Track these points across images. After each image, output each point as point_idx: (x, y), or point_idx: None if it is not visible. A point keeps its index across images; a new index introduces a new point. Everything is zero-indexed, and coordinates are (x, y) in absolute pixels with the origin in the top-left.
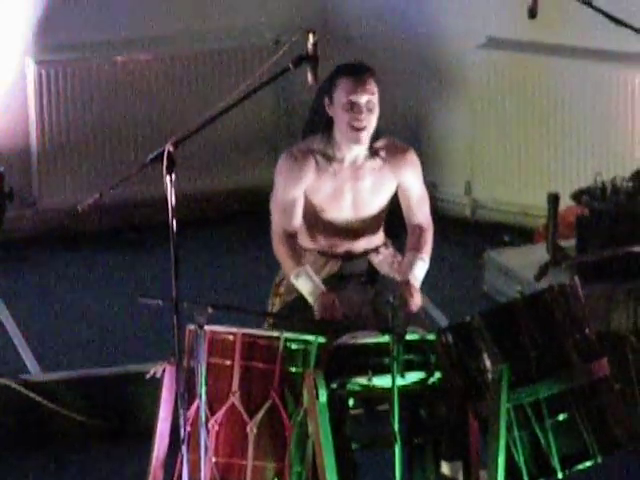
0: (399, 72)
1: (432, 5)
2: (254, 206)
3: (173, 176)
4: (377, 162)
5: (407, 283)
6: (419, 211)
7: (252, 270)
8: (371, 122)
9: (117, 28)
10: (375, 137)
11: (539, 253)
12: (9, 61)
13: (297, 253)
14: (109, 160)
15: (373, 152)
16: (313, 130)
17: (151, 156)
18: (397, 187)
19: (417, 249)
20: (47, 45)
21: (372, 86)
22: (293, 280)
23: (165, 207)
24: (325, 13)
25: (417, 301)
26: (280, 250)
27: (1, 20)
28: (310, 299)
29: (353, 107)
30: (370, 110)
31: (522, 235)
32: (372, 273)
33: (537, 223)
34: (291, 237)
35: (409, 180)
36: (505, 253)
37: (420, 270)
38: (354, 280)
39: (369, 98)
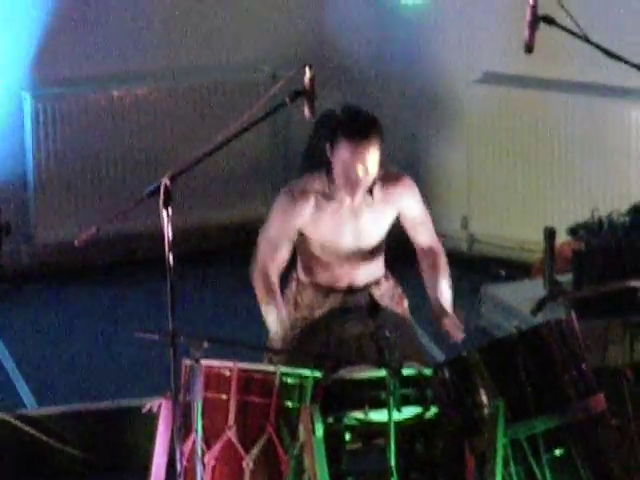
0: (396, 106)
1: (429, 39)
2: (250, 240)
3: (170, 210)
4: (375, 195)
5: (444, 314)
6: (425, 233)
7: (249, 304)
8: (366, 181)
9: (114, 62)
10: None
11: (536, 288)
12: (6, 95)
13: (272, 289)
14: (106, 194)
15: (370, 186)
16: (311, 166)
17: (148, 190)
18: (398, 214)
19: (436, 272)
20: (44, 79)
21: (372, 155)
22: (263, 310)
23: (162, 240)
24: (322, 47)
25: (458, 331)
26: (256, 281)
27: (0, 54)
28: (272, 333)
29: (349, 172)
30: (367, 175)
31: (519, 270)
32: (373, 306)
33: (534, 258)
34: (268, 275)
35: (409, 206)
36: (502, 288)
37: (448, 294)
38: (355, 313)
39: (366, 167)
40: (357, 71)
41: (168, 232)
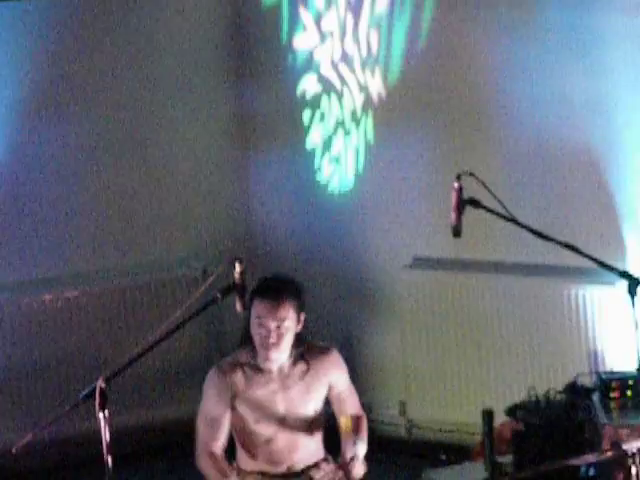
0: (328, 293)
1: (358, 225)
2: (189, 436)
3: (106, 412)
4: (302, 367)
5: (350, 459)
6: (349, 404)
7: None
8: (282, 343)
9: (44, 266)
10: (297, 343)
11: (477, 470)
12: None
13: (221, 466)
14: (42, 398)
15: (297, 358)
16: (244, 343)
17: (83, 393)
18: (327, 390)
19: (356, 433)
20: None
21: (284, 311)
22: None
23: (100, 442)
24: (251, 240)
25: (359, 470)
26: (203, 463)
27: None
28: None
29: (262, 330)
30: (281, 333)
31: (460, 453)
32: None
33: (474, 440)
34: (214, 454)
35: (335, 378)
36: (443, 472)
37: (361, 448)
38: None
39: (279, 324)
40: (287, 260)
41: (105, 433)
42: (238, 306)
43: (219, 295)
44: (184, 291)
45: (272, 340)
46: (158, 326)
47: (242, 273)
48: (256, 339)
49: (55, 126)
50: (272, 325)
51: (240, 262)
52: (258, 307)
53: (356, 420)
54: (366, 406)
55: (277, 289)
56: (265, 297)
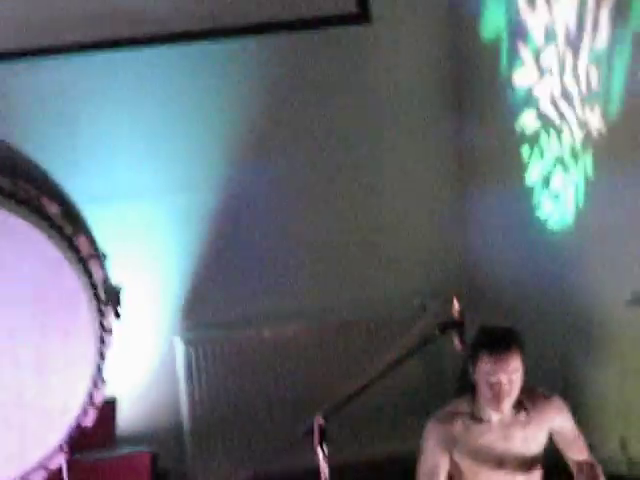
0: (545, 330)
1: (577, 262)
2: (408, 473)
3: (325, 448)
4: (524, 415)
5: None
6: (578, 449)
7: None
8: (512, 393)
9: (263, 302)
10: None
11: None
12: (158, 341)
13: None
14: (262, 433)
15: (518, 406)
16: (463, 391)
17: (302, 430)
18: (550, 433)
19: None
20: (194, 324)
21: (513, 364)
22: None
23: (320, 478)
24: (469, 276)
25: None
26: None
27: (150, 300)
28: None
29: (493, 386)
30: (513, 385)
31: None
32: None
33: None
34: None
35: (559, 425)
36: None
37: None
38: None
39: (509, 378)
40: (505, 297)
41: (325, 470)
42: (456, 344)
43: (437, 332)
44: (402, 327)
45: (505, 392)
46: (376, 362)
47: (461, 310)
48: (486, 392)
49: (273, 163)
50: (504, 378)
51: (458, 299)
52: (488, 361)
53: (592, 470)
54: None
55: (505, 342)
56: (494, 351)
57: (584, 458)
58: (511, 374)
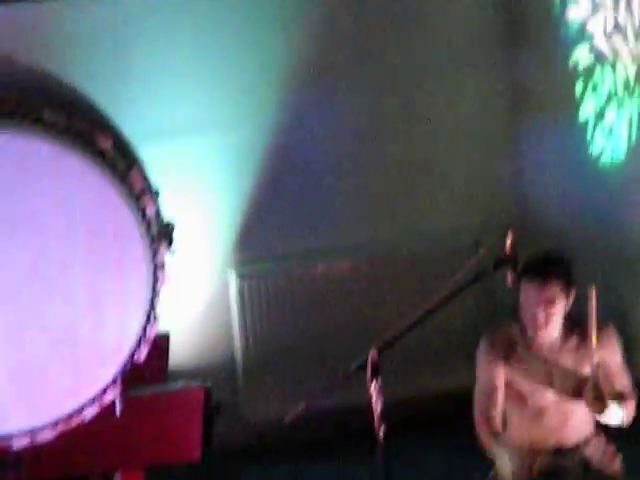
0: (599, 267)
1: (630, 197)
2: (459, 406)
3: (379, 382)
4: (574, 342)
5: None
6: (617, 383)
7: (465, 466)
8: (550, 324)
9: (315, 237)
10: (570, 318)
11: None
12: (212, 275)
13: (496, 430)
14: (313, 368)
15: (569, 333)
16: (515, 317)
17: (355, 364)
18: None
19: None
20: (248, 258)
21: (552, 293)
22: (493, 453)
23: (372, 413)
24: (522, 212)
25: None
26: (480, 426)
27: (204, 234)
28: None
29: (530, 311)
30: (549, 315)
31: None
32: (584, 467)
33: None
34: (490, 418)
35: (607, 356)
36: None
37: (616, 410)
38: (565, 476)
39: (546, 306)
40: (558, 232)
41: (378, 405)
42: (509, 279)
43: (491, 267)
44: (456, 263)
45: (540, 322)
46: (430, 297)
47: (513, 246)
48: (525, 318)
49: (326, 99)
50: (540, 307)
51: (511, 234)
52: (526, 288)
53: (621, 395)
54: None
55: (544, 271)
56: (533, 279)
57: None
58: (547, 305)
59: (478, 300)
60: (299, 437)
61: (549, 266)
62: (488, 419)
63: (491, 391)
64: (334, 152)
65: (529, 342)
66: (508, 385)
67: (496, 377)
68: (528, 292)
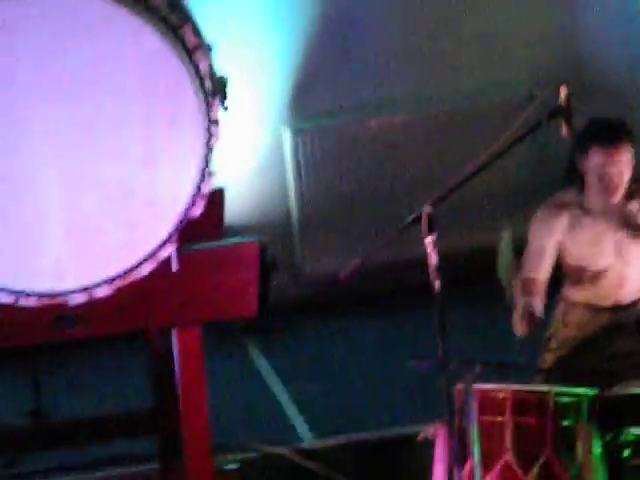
0: None
1: None
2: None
3: (434, 236)
4: (634, 205)
5: None
6: None
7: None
8: (621, 185)
9: (370, 92)
10: (632, 180)
11: None
12: (266, 131)
13: (531, 289)
14: (368, 223)
15: (629, 195)
16: (571, 182)
17: (410, 218)
18: None
19: None
20: (302, 113)
21: (624, 157)
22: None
23: (427, 267)
24: (580, 65)
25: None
26: (519, 282)
27: (257, 91)
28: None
29: (603, 177)
30: (621, 177)
31: None
32: None
33: None
34: (535, 280)
35: None
36: None
37: None
38: (625, 330)
39: (619, 170)
40: (616, 87)
41: (433, 259)
42: (564, 131)
43: (545, 120)
44: (510, 115)
45: (614, 185)
46: (483, 150)
47: (569, 97)
48: (595, 184)
49: None
50: (614, 170)
51: (566, 86)
52: (597, 154)
53: None
54: None
55: (616, 134)
56: (605, 144)
57: None
58: (621, 166)
59: (534, 154)
60: (354, 292)
61: (618, 128)
62: (528, 280)
63: (540, 253)
64: (389, 4)
65: (586, 209)
66: (564, 251)
67: (547, 243)
68: (600, 158)
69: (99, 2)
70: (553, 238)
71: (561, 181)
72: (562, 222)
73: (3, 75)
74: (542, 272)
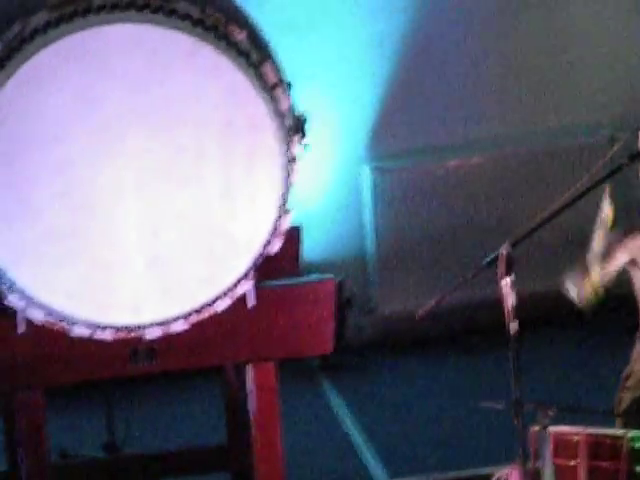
0: None
1: None
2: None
3: (512, 277)
4: None
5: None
6: None
7: (597, 366)
8: None
9: (450, 132)
10: None
11: None
12: (345, 170)
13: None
14: (446, 264)
15: None
16: None
17: (488, 258)
18: None
19: None
20: (381, 152)
21: None
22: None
23: (504, 308)
24: None
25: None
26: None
27: (337, 129)
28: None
29: None
30: None
31: None
32: None
33: None
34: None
35: None
36: None
37: None
38: None
39: None
40: None
41: (510, 300)
42: None
43: (625, 162)
44: (591, 158)
45: None
46: (563, 193)
47: None
48: None
49: None
50: None
51: None
52: None
53: None
54: None
55: None
56: None
57: None
58: None
59: (615, 196)
60: (430, 331)
61: None
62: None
63: (608, 258)
64: (471, 46)
65: None
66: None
67: (617, 256)
68: None
69: (185, 36)
70: (627, 255)
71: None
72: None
73: (96, 97)
74: (607, 266)
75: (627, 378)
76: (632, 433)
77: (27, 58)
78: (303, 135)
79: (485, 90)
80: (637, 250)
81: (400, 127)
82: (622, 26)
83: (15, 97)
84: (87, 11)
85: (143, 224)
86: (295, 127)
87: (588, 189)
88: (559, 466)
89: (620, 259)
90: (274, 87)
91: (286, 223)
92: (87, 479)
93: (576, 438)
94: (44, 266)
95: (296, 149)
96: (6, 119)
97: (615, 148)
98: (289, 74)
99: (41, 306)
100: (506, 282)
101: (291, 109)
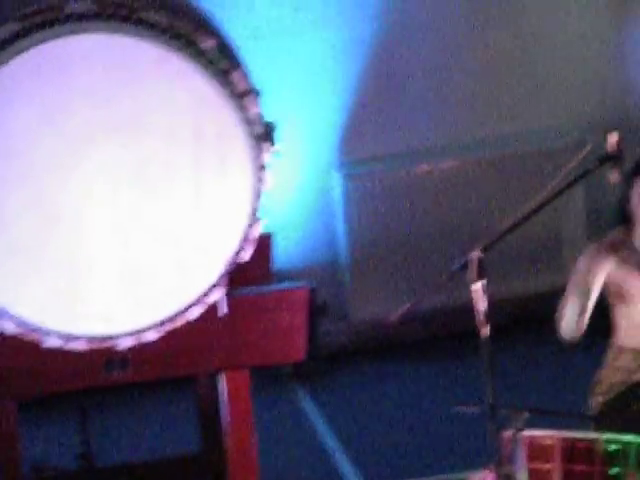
0: None
1: None
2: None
3: (483, 282)
4: None
5: None
6: None
7: (568, 370)
8: None
9: (420, 138)
10: None
11: None
12: (315, 176)
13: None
14: (418, 269)
15: None
16: (620, 223)
17: (458, 264)
18: None
19: None
20: (352, 158)
21: None
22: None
23: (475, 313)
24: (628, 109)
25: None
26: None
27: (307, 136)
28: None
29: None
30: None
31: None
32: None
33: None
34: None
35: None
36: None
37: None
38: None
39: None
40: None
41: (482, 305)
42: (614, 176)
43: (595, 165)
44: (560, 162)
45: None
46: (533, 196)
47: (619, 143)
48: (638, 225)
49: None
50: None
51: (616, 132)
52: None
53: None
54: None
55: None
56: None
57: None
58: None
59: (584, 199)
60: (403, 335)
61: None
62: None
63: (582, 293)
64: (440, 50)
65: (633, 247)
66: (612, 293)
67: (591, 285)
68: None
69: (152, 45)
70: (596, 278)
71: (612, 226)
72: (609, 262)
73: (62, 108)
74: (584, 312)
75: (597, 384)
76: (606, 436)
77: None
78: (272, 143)
79: (454, 95)
80: (609, 263)
81: (370, 133)
82: (591, 29)
83: None
84: (55, 21)
85: (113, 234)
86: (264, 135)
87: (558, 193)
88: (533, 470)
89: (598, 284)
90: (243, 95)
91: (257, 231)
92: None
93: (550, 442)
94: (13, 278)
95: (266, 157)
96: None
97: (585, 151)
98: (257, 82)
99: (12, 318)
100: (477, 287)
101: (260, 117)
